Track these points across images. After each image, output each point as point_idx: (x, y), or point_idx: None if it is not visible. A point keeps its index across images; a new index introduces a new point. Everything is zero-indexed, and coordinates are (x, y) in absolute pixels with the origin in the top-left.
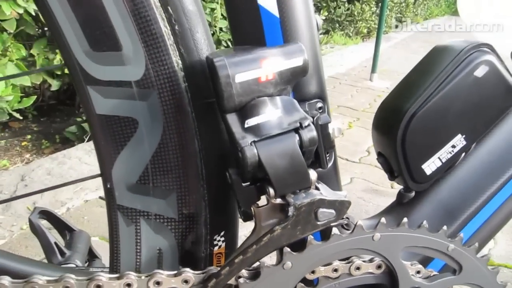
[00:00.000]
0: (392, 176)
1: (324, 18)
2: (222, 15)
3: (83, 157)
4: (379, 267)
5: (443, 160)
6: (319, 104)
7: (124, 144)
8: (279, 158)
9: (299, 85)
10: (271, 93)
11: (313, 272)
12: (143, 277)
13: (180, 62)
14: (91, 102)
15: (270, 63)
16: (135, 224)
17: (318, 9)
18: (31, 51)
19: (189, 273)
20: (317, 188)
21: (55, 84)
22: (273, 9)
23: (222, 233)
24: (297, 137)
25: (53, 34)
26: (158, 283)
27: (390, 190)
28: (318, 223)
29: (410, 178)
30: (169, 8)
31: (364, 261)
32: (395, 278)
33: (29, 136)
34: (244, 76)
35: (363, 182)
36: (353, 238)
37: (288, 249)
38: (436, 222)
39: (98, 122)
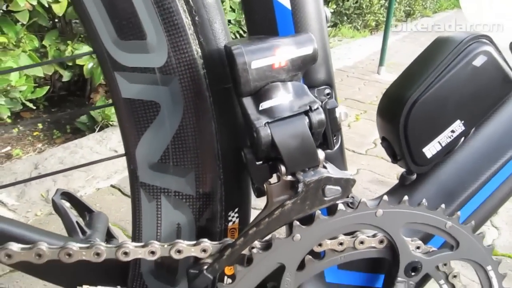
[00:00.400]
0: (395, 159)
1: (332, 11)
2: (230, 7)
3: (94, 147)
4: (381, 242)
5: (443, 144)
6: (327, 91)
7: (147, 126)
8: (291, 138)
9: (309, 73)
10: (283, 79)
11: (320, 245)
12: (165, 246)
13: (199, 50)
14: (118, 87)
15: (283, 51)
16: (156, 200)
17: (326, 2)
18: (43, 42)
19: (207, 243)
20: (324, 167)
21: (66, 75)
22: (285, 2)
23: (236, 210)
24: (307, 119)
25: (84, 23)
26: (179, 251)
27: (396, 182)
28: (325, 198)
29: (411, 161)
30: (190, 0)
31: (367, 236)
32: (396, 252)
33: (40, 126)
34: (260, 63)
35: (370, 174)
36: (357, 214)
37: (298, 223)
38: (436, 202)
39: (124, 106)
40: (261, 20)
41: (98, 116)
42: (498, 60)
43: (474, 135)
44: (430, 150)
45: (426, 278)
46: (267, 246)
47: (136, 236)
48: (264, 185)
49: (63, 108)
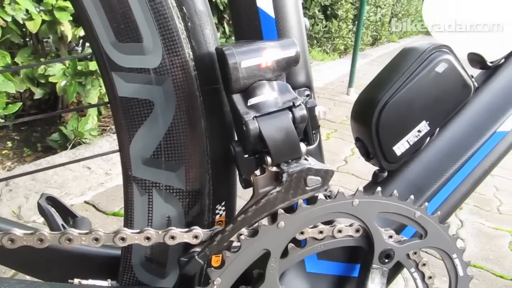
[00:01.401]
0: (368, 157)
1: None
2: None
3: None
4: (357, 231)
5: (411, 143)
6: (307, 92)
7: (141, 123)
8: (276, 131)
9: (291, 75)
10: (269, 78)
11: (302, 233)
12: (160, 232)
13: (191, 53)
14: (115, 86)
15: (269, 53)
16: (148, 194)
17: None
18: (16, 59)
19: (198, 230)
20: (306, 159)
21: (38, 93)
22: (270, 11)
23: (222, 203)
24: (291, 114)
25: (84, 26)
26: (172, 237)
27: None
28: (307, 188)
29: (383, 158)
30: (183, 7)
31: (345, 226)
32: (371, 240)
33: (10, 144)
34: (248, 63)
35: (341, 189)
36: (335, 203)
37: (282, 211)
38: (406, 197)
39: (120, 104)
40: (248, 27)
41: (70, 133)
42: (457, 67)
43: (439, 136)
44: (400, 148)
45: (398, 267)
46: (254, 233)
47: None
48: (251, 177)
49: (33, 127)
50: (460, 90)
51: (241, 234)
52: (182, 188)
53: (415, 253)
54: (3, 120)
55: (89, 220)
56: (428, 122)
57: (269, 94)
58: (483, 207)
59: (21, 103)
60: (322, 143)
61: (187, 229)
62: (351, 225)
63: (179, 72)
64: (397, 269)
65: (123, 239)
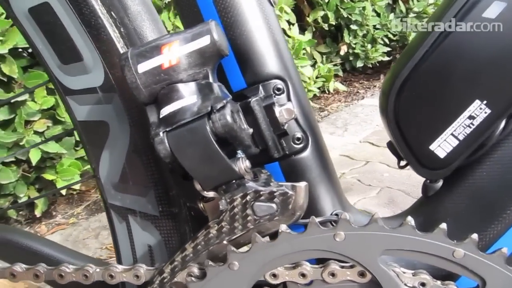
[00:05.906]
0: (404, 163)
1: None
2: (375, 11)
3: None
4: (362, 275)
5: (460, 137)
6: (278, 85)
7: (102, 146)
8: (190, 147)
9: (250, 65)
10: (181, 79)
11: (274, 275)
12: (98, 270)
13: None
14: (72, 111)
15: (170, 49)
16: (126, 221)
17: None
18: None
19: (141, 269)
20: (256, 179)
21: None
22: None
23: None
24: (211, 123)
25: (35, 54)
26: (111, 276)
27: None
28: (255, 217)
29: (417, 163)
30: (112, 13)
31: (342, 267)
32: None
33: None
34: (146, 66)
35: None
36: (308, 238)
37: (232, 248)
38: (471, 219)
39: (81, 128)
40: (188, 15)
41: None
42: None
43: None
44: (442, 146)
45: None
46: (202, 274)
47: (118, 258)
48: (200, 204)
49: None
50: None
51: (190, 275)
52: (156, 214)
53: None
54: None
55: None
56: (485, 102)
57: (185, 100)
58: None
59: None
60: (324, 150)
61: (129, 267)
62: (352, 267)
63: (124, 86)
64: None
65: (61, 276)
